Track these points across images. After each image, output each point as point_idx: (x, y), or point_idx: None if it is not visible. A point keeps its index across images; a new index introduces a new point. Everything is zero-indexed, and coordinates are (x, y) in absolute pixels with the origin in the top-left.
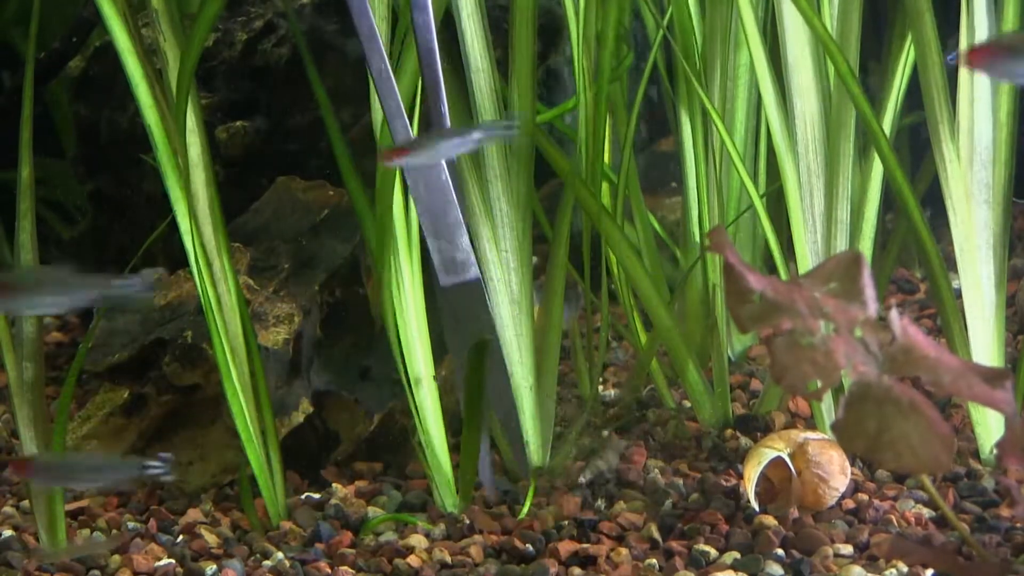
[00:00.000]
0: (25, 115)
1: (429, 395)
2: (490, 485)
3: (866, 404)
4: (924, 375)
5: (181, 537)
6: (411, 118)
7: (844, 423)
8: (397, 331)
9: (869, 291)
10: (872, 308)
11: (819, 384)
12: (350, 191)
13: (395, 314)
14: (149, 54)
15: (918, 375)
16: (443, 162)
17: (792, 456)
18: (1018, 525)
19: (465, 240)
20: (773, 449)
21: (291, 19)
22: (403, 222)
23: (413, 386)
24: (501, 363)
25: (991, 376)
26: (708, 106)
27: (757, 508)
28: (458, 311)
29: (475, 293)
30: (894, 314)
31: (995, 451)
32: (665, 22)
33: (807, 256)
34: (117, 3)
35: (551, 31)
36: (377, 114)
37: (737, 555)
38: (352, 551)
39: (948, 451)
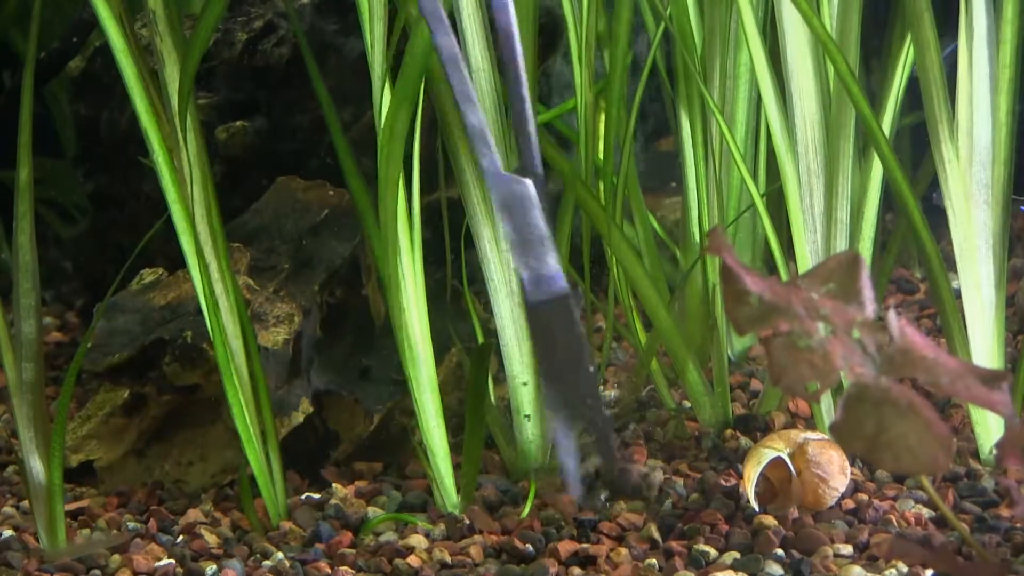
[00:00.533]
0: (24, 117)
1: (430, 395)
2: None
3: (864, 405)
4: (922, 376)
5: (181, 537)
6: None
7: (842, 424)
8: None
9: (867, 292)
10: (870, 309)
11: (817, 386)
12: (351, 190)
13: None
14: (146, 54)
15: (916, 376)
16: (530, 180)
17: (792, 456)
18: (1018, 525)
19: (553, 257)
20: (773, 449)
21: (293, 18)
22: (405, 223)
23: (415, 386)
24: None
25: (989, 378)
26: (708, 98)
27: (757, 508)
28: (547, 329)
29: (565, 310)
30: (892, 315)
31: (995, 451)
32: (664, 21)
33: (807, 256)
34: (112, 5)
35: (551, 31)
36: (380, 113)
37: (737, 555)
38: (352, 551)
39: (946, 452)
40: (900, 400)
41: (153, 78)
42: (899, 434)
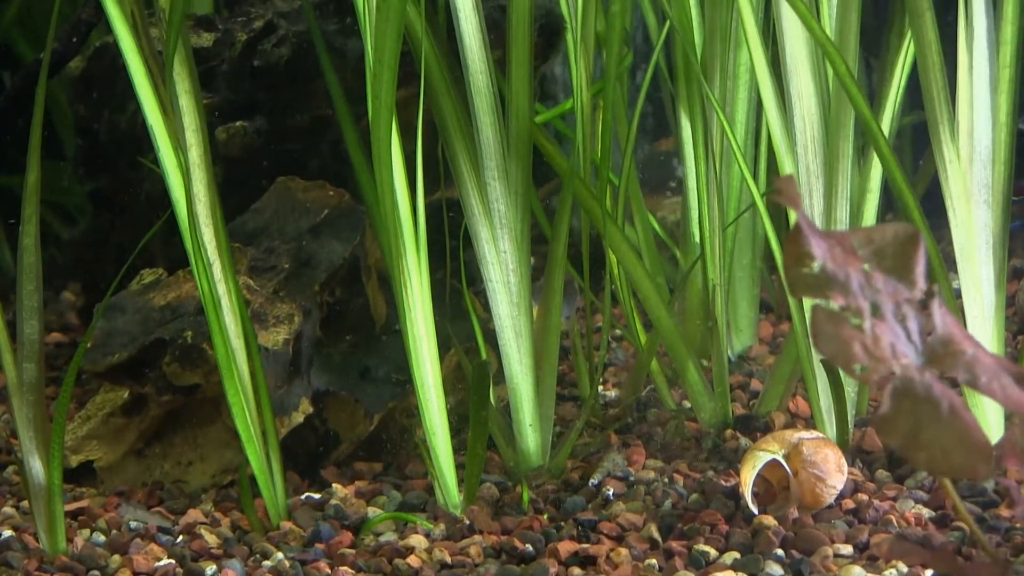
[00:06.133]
0: (36, 120)
1: (434, 393)
2: None
3: (906, 401)
4: (961, 372)
5: (181, 537)
6: None
7: (886, 416)
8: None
9: (920, 270)
10: (920, 291)
11: (864, 369)
12: (362, 183)
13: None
14: (155, 52)
15: (955, 371)
16: None
17: (787, 457)
18: (1018, 525)
19: None
20: (767, 452)
21: (309, 15)
22: (410, 224)
23: (419, 384)
24: None
25: (1022, 379)
26: (708, 94)
27: (755, 511)
28: None
29: None
30: (936, 304)
31: (995, 452)
32: (667, 24)
33: None
34: (123, 3)
35: (550, 31)
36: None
37: (737, 555)
38: (352, 551)
39: (983, 460)
40: (941, 401)
41: (161, 76)
42: (935, 435)
